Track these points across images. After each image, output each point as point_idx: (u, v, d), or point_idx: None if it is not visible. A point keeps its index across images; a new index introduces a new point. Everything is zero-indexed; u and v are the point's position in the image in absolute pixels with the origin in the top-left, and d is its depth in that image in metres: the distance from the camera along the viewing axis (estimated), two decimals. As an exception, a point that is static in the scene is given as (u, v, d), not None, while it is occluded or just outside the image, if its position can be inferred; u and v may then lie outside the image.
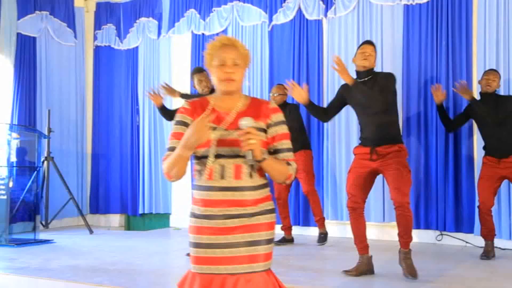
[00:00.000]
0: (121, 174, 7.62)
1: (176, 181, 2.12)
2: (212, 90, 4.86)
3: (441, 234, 5.46)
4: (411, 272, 3.72)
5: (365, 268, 3.90)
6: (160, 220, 7.41)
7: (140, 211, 7.42)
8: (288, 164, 2.12)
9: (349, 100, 4.05)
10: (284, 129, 2.14)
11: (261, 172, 2.11)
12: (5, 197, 5.53)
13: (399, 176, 3.78)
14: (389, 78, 3.97)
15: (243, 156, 2.01)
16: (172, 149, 2.07)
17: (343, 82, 5.93)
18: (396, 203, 3.77)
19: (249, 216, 2.05)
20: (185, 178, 6.66)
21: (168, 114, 5.09)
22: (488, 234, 4.65)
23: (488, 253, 4.62)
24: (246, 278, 2.02)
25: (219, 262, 2.03)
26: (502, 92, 5.04)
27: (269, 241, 2.10)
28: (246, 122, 1.97)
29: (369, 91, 3.82)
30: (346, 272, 3.91)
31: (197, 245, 2.07)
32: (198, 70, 4.97)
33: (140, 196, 7.41)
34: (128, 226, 7.72)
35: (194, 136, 1.94)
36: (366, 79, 3.95)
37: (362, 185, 3.92)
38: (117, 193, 7.65)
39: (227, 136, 2.04)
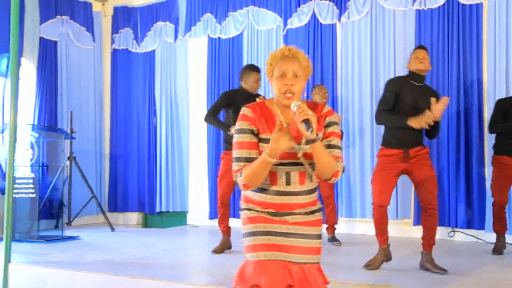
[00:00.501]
0: (139, 174, 7.84)
1: (253, 189, 2.14)
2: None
3: (453, 231, 5.67)
4: (441, 269, 3.93)
5: (384, 258, 4.11)
6: (177, 218, 7.63)
7: (158, 209, 7.64)
8: (336, 161, 2.12)
9: (402, 96, 4.08)
10: (335, 128, 2.18)
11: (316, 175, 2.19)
12: (34, 195, 5.76)
13: (431, 180, 4.01)
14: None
15: (307, 164, 2.11)
16: (243, 159, 2.10)
17: (356, 87, 6.21)
18: (429, 205, 3.96)
19: (305, 214, 2.15)
20: (202, 176, 6.85)
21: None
22: (501, 229, 4.86)
23: (499, 247, 4.82)
24: (306, 268, 2.10)
25: (280, 249, 2.08)
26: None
27: (319, 236, 2.19)
28: (295, 103, 2.03)
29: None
30: (368, 267, 4.08)
31: (254, 234, 2.11)
32: (258, 70, 4.97)
33: (158, 194, 7.62)
34: (146, 224, 7.95)
35: (281, 147, 1.98)
36: (419, 84, 4.11)
37: (393, 185, 4.11)
38: (134, 192, 7.87)
39: (298, 150, 2.10)
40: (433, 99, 3.94)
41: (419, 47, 4.24)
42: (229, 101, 4.89)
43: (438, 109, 3.92)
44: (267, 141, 2.08)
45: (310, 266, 2.12)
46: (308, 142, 2.02)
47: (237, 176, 2.11)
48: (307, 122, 1.95)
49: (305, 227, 2.14)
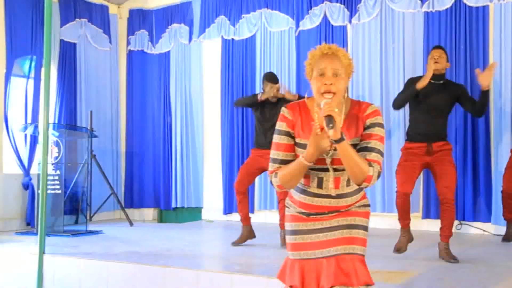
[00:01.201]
0: (154, 171, 8.10)
1: (287, 189, 2.15)
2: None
3: (461, 224, 5.92)
4: (453, 257, 4.17)
5: (408, 239, 4.39)
6: (191, 213, 7.88)
7: (173, 205, 7.89)
8: (370, 165, 1.98)
9: (421, 95, 4.26)
10: (377, 130, 2.04)
11: None
12: (59, 191, 6.03)
13: (450, 175, 4.21)
14: (464, 90, 4.43)
15: (341, 170, 2.03)
16: (279, 161, 2.08)
17: (366, 87, 6.46)
18: (445, 199, 4.19)
19: (345, 209, 2.11)
20: (216, 172, 7.07)
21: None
22: (509, 215, 5.10)
23: (509, 235, 5.08)
24: (339, 259, 2.03)
25: (314, 247, 2.07)
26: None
27: (364, 228, 2.11)
28: (325, 100, 1.96)
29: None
30: (398, 251, 4.32)
31: (294, 232, 2.13)
32: (272, 79, 5.15)
33: (173, 190, 7.88)
34: (161, 220, 8.20)
35: (317, 151, 1.94)
36: (439, 82, 4.31)
37: (416, 175, 4.32)
38: (150, 188, 8.13)
39: (337, 155, 2.01)
40: (477, 70, 4.24)
41: (435, 47, 4.46)
42: (255, 103, 5.13)
43: (485, 76, 4.15)
44: (301, 146, 2.06)
45: (348, 257, 2.05)
46: (334, 141, 1.90)
47: (272, 176, 2.10)
48: (330, 118, 1.86)
49: (342, 218, 2.09)
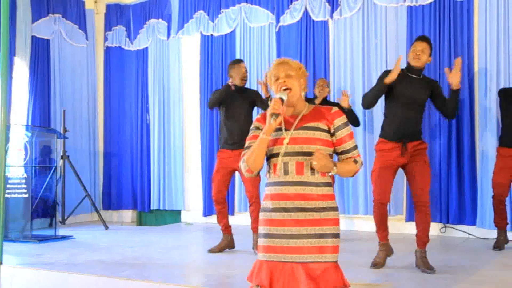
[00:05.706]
0: (132, 171, 7.85)
1: (256, 173, 2.34)
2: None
3: (445, 227, 5.71)
4: (429, 267, 3.92)
5: (387, 254, 4.14)
6: (171, 215, 7.65)
7: (152, 207, 7.65)
8: (355, 161, 2.35)
9: (398, 88, 4.03)
10: (347, 130, 2.36)
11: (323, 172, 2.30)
12: (26, 195, 5.77)
13: (424, 176, 3.94)
14: (438, 86, 4.14)
15: (306, 154, 2.25)
16: (249, 147, 2.35)
17: (349, 83, 6.21)
18: (419, 202, 3.94)
19: (318, 211, 2.25)
20: (196, 173, 6.81)
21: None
22: (501, 222, 4.86)
23: (500, 243, 4.84)
24: (308, 267, 2.20)
25: (287, 251, 2.23)
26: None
27: (336, 235, 2.27)
28: (280, 94, 2.31)
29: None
30: (375, 266, 4.06)
31: (266, 236, 2.29)
32: (241, 60, 5.02)
33: (152, 192, 7.64)
34: (140, 222, 7.96)
35: (268, 123, 2.22)
36: (416, 76, 4.06)
37: (392, 181, 4.06)
38: (128, 189, 7.88)
39: (295, 135, 2.29)
40: (446, 69, 4.03)
41: (419, 38, 4.12)
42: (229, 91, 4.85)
43: (454, 75, 3.92)
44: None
45: (316, 265, 2.21)
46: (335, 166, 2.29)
47: (240, 163, 2.36)
48: (276, 115, 2.24)
49: (317, 227, 2.24)
